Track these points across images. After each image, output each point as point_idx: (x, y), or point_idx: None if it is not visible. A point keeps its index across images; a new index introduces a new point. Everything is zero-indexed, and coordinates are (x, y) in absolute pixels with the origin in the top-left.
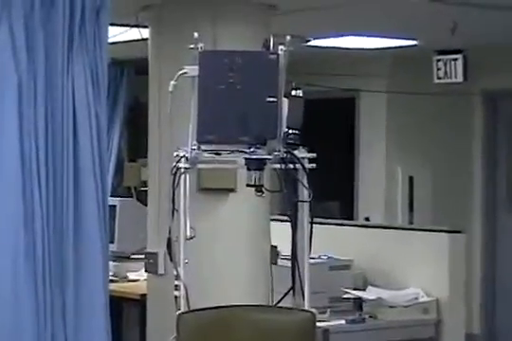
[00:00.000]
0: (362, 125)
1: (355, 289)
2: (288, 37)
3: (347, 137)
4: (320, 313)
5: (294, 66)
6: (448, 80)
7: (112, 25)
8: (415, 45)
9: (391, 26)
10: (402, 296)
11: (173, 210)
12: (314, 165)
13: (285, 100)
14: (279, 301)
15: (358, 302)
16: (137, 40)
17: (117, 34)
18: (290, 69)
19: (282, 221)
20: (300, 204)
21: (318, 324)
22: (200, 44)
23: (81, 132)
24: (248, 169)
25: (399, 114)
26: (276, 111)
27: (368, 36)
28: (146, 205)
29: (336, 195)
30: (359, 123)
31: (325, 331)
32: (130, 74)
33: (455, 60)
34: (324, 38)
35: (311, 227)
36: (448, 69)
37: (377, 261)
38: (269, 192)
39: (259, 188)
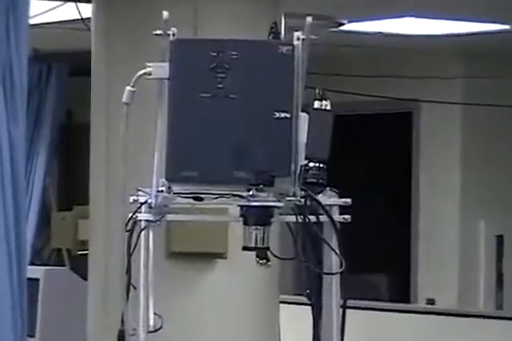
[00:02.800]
0: (424, 153)
1: None
2: (310, 19)
3: (401, 173)
4: None
5: (318, 64)
6: None
7: None
8: (507, 32)
9: (469, 1)
10: None
11: (129, 287)
12: (348, 217)
13: (304, 117)
14: None
15: None
16: (73, 20)
17: (42, 12)
18: (312, 68)
19: (298, 303)
20: (326, 277)
21: None
22: (173, 29)
23: None
24: (246, 222)
25: (481, 137)
26: (289, 133)
27: (433, 18)
28: (85, 278)
29: (383, 265)
30: (419, 151)
31: None
32: (61, 75)
33: None
34: (365, 20)
35: (343, 314)
36: None
37: None
38: (279, 259)
39: (263, 253)
